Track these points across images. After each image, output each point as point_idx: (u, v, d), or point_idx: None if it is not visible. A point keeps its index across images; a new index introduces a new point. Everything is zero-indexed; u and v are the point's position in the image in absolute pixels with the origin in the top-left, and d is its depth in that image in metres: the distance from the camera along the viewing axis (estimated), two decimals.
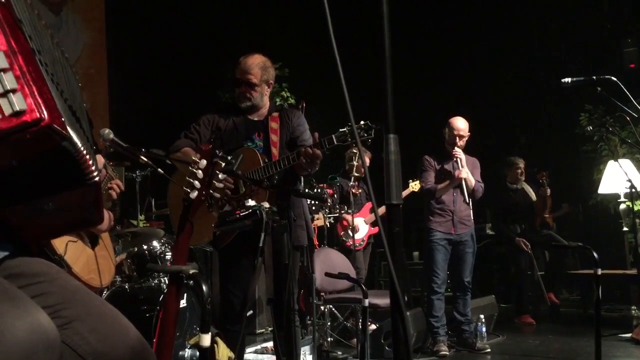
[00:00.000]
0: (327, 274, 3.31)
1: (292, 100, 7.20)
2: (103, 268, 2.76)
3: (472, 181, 4.93)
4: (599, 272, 2.74)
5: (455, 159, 4.88)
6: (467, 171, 4.89)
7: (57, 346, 1.09)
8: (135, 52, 7.28)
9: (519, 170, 6.57)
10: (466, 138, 4.98)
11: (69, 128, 1.15)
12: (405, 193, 5.85)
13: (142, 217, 5.25)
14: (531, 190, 6.87)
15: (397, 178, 1.09)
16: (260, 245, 2.07)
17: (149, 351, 1.36)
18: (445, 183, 4.95)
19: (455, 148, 4.88)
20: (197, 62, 7.61)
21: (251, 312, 5.27)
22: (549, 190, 6.61)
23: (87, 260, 2.42)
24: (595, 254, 2.76)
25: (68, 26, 6.98)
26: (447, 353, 4.81)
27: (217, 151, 1.76)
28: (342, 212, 5.86)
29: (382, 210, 5.14)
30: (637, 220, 6.26)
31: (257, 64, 3.30)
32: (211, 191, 1.77)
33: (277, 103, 6.96)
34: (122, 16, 7.31)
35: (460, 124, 4.97)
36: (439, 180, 4.99)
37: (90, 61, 7.17)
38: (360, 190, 5.90)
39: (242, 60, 3.33)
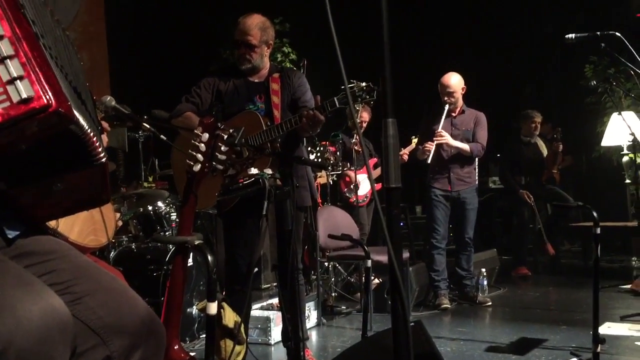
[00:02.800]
0: (331, 236, 3.37)
1: (293, 56, 7.12)
2: (106, 223, 2.75)
3: (458, 146, 4.92)
4: (598, 230, 2.78)
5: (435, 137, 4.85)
6: (445, 140, 4.86)
7: (70, 327, 1.13)
8: (135, 8, 7.18)
9: (534, 125, 6.56)
10: (457, 93, 4.95)
11: (75, 111, 1.17)
12: (409, 149, 5.87)
13: (151, 179, 5.30)
14: (544, 145, 6.87)
15: (395, 161, 1.11)
16: (264, 213, 2.11)
17: (157, 322, 1.41)
18: (420, 151, 4.99)
19: (439, 131, 4.85)
20: (198, 18, 7.51)
21: (256, 269, 5.36)
22: (561, 146, 6.62)
23: (82, 223, 2.44)
24: (595, 213, 2.79)
25: None
26: (449, 306, 4.92)
27: (219, 124, 1.78)
28: (345, 168, 5.89)
29: (377, 172, 5.16)
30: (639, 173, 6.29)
31: (256, 25, 3.27)
32: (214, 163, 1.79)
33: (278, 59, 6.90)
34: None
35: (448, 81, 4.94)
36: (428, 138, 4.97)
37: (89, 18, 7.07)
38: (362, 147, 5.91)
39: (240, 20, 3.30)
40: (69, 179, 1.27)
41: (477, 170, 5.19)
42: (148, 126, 2.53)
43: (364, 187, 5.98)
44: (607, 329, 3.95)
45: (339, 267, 5.66)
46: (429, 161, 4.86)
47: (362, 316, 3.29)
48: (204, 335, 3.45)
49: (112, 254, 4.00)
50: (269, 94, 3.26)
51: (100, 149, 1.24)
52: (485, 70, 8.27)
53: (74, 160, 1.25)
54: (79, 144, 1.21)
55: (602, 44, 3.55)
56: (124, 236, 4.36)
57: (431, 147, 4.82)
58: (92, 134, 1.21)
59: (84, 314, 1.28)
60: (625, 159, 6.31)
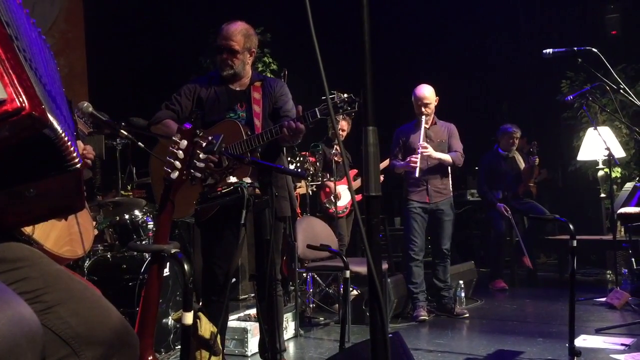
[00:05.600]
0: (309, 246, 3.35)
1: (274, 66, 7.12)
2: (83, 235, 2.71)
3: (440, 157, 4.95)
4: (574, 243, 2.81)
5: (418, 150, 4.88)
6: (429, 152, 4.89)
7: (39, 337, 1.10)
8: (114, 15, 7.12)
9: (512, 140, 6.62)
10: (432, 104, 5.00)
11: (49, 115, 1.15)
12: (385, 163, 5.89)
13: (129, 187, 5.25)
14: (521, 160, 6.95)
15: (375, 170, 1.10)
16: (242, 222, 2.08)
17: (130, 333, 1.38)
18: (401, 165, 5.03)
19: (421, 143, 4.88)
20: (178, 26, 7.47)
21: (234, 279, 5.32)
22: (537, 160, 6.71)
23: (59, 233, 2.39)
24: (571, 226, 2.82)
25: None
26: (427, 318, 4.92)
27: (197, 131, 1.76)
28: (325, 179, 5.89)
29: (358, 183, 5.15)
30: (614, 187, 6.39)
31: (239, 31, 3.25)
32: (192, 170, 1.77)
33: (259, 69, 6.89)
34: None
35: (423, 92, 4.99)
36: (405, 152, 5.01)
37: (67, 25, 6.99)
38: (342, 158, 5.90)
39: (224, 27, 3.28)
40: (42, 184, 1.24)
41: (451, 181, 5.23)
42: (126, 133, 2.49)
43: (344, 198, 5.98)
44: (582, 341, 3.98)
45: (317, 278, 5.64)
46: (417, 175, 4.86)
47: (340, 327, 3.27)
48: (180, 346, 3.40)
49: (87, 263, 3.94)
50: (250, 103, 3.24)
51: (75, 154, 1.21)
52: (463, 84, 8.36)
53: (48, 166, 1.22)
54: (53, 149, 1.18)
55: (579, 60, 3.59)
56: (99, 245, 4.30)
57: (417, 160, 4.84)
58: (66, 139, 1.19)
59: (55, 323, 1.24)
60: (600, 173, 6.42)
